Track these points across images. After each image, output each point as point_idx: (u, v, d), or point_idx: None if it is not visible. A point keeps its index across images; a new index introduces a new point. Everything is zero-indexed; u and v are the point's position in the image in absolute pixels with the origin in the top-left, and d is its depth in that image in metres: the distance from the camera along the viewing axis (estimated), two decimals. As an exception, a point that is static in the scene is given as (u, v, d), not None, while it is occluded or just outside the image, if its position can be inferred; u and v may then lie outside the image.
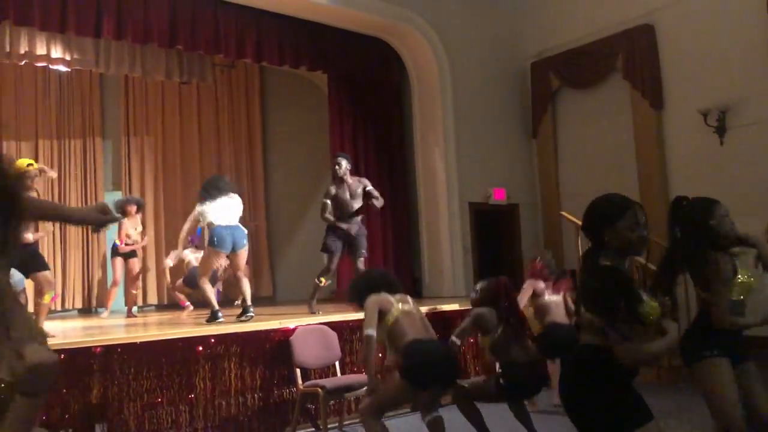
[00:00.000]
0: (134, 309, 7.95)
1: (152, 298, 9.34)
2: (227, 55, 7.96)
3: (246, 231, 5.91)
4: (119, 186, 9.36)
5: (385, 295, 4.06)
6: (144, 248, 9.28)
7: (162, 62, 8.63)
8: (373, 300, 4.01)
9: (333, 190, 6.40)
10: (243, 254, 5.84)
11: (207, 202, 5.76)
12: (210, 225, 5.73)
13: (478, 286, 4.51)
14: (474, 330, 4.47)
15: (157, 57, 8.53)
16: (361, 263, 6.37)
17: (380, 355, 4.84)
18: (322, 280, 6.34)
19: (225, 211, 5.77)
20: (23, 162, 5.55)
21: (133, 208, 7.71)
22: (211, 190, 5.80)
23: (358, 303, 4.11)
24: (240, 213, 5.92)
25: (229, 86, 10.20)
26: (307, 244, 9.43)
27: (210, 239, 5.73)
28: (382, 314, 3.97)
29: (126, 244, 7.62)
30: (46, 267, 5.24)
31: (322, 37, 8.39)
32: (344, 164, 6.40)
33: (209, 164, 9.93)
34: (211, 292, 5.79)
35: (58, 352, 3.92)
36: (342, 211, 6.33)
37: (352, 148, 8.78)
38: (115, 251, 7.69)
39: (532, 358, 4.24)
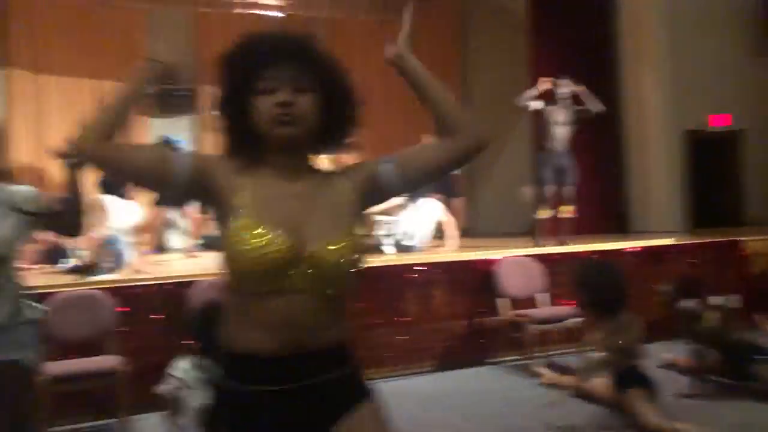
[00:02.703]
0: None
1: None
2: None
3: None
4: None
5: None
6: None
7: (364, 2, 8.86)
8: None
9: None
10: None
11: None
12: None
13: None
14: None
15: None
16: (569, 191, 6.28)
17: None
18: (541, 211, 6.33)
19: None
20: None
21: None
22: None
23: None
24: None
25: (428, 21, 10.22)
26: (505, 176, 9.38)
27: None
28: None
29: None
30: None
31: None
32: (566, 86, 6.27)
33: (413, 102, 10.13)
34: None
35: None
36: (551, 137, 6.28)
37: (552, 75, 8.47)
38: None
39: None
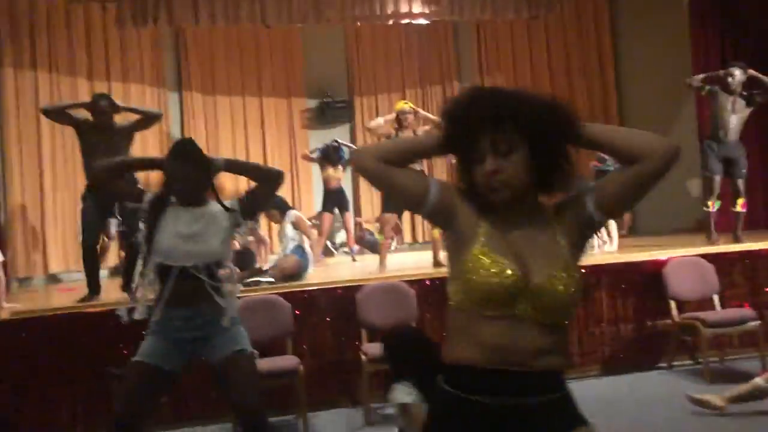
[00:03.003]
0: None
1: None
2: (576, -19, 7.79)
3: None
4: (477, 125, 9.95)
5: None
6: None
7: (510, 1, 8.80)
8: None
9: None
10: None
11: None
12: None
13: None
14: None
15: (506, -5, 8.73)
16: (740, 184, 5.93)
17: None
18: (709, 204, 6.03)
19: None
20: (401, 103, 6.37)
21: None
22: None
23: None
24: None
25: (577, 13, 10.00)
26: (672, 177, 8.91)
27: None
28: None
29: None
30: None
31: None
32: (739, 77, 5.93)
33: (560, 93, 9.94)
34: None
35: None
36: (721, 126, 5.95)
37: (719, 65, 7.94)
38: None
39: None
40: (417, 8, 8.64)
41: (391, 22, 8.83)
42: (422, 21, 9.06)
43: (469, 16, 8.92)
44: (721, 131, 5.95)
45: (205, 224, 2.88)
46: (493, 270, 1.51)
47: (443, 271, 4.72)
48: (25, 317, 4.53)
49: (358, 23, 9.03)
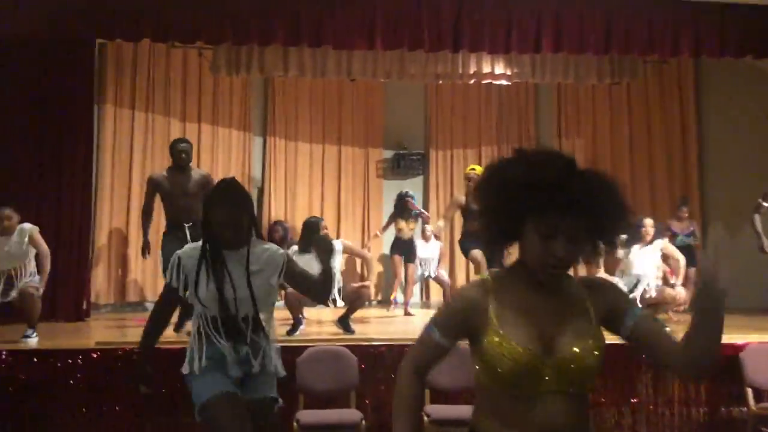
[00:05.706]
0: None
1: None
2: (662, 54, 7.76)
3: None
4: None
5: None
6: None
7: (593, 67, 8.82)
8: None
9: None
10: None
11: None
12: None
13: None
14: None
15: (589, 62, 8.75)
16: None
17: None
18: None
19: None
20: (470, 167, 6.49)
21: None
22: None
23: None
24: None
25: (661, 82, 9.90)
26: (751, 250, 8.61)
27: None
28: None
29: None
30: None
31: (772, 19, 7.54)
32: None
33: (640, 162, 9.86)
34: None
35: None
36: None
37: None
38: None
39: None
40: (499, 69, 8.77)
41: (472, 81, 8.98)
42: (503, 82, 9.18)
43: (550, 79, 8.99)
44: None
45: (261, 263, 2.80)
46: (512, 356, 1.52)
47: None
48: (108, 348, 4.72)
49: (440, 81, 9.19)
